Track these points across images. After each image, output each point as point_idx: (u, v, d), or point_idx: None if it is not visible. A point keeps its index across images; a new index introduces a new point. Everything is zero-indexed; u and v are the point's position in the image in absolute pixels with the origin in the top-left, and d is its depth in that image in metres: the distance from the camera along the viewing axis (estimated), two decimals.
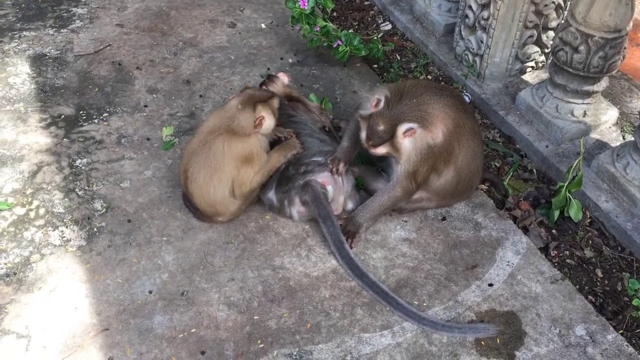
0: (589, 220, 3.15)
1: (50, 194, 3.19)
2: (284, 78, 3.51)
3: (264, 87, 3.41)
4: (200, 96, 3.83)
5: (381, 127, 2.84)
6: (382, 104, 2.86)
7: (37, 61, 4.03)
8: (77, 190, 3.21)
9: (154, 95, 3.82)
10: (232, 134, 2.89)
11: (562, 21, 3.59)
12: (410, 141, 2.86)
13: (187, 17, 4.49)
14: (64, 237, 2.99)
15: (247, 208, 3.09)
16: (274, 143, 3.09)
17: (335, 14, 4.62)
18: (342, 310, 2.72)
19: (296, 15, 3.90)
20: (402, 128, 2.82)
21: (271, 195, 3.06)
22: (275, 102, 3.02)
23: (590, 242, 3.08)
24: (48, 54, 4.09)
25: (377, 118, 2.85)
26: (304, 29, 3.95)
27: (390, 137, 2.86)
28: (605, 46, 3.13)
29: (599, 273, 2.96)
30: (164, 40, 4.27)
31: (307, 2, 3.85)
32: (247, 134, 2.90)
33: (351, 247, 2.92)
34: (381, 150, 2.91)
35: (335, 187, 3.03)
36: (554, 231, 3.13)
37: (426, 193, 3.09)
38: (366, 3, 4.79)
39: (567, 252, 3.04)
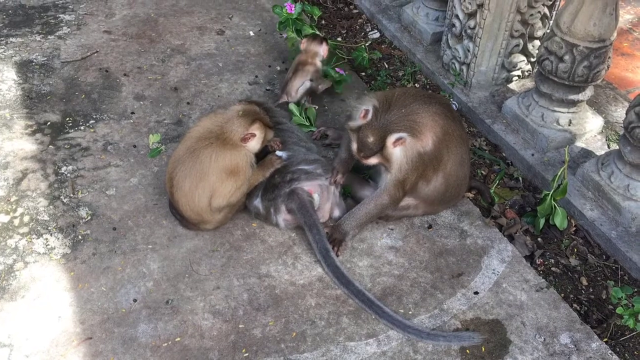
0: (574, 228, 3.17)
1: (35, 201, 3.16)
2: (324, 50, 3.69)
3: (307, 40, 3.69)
4: (188, 103, 3.83)
5: (371, 139, 2.85)
6: (370, 115, 2.87)
7: (24, 67, 4.01)
8: (62, 197, 3.19)
9: (141, 102, 3.81)
10: (222, 145, 2.87)
11: (548, 31, 3.62)
12: (400, 150, 2.87)
13: (175, 24, 4.49)
14: (49, 244, 2.97)
15: (234, 216, 3.08)
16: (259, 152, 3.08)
17: (323, 22, 4.64)
18: (328, 319, 2.72)
19: (283, 20, 3.91)
20: (392, 138, 2.84)
21: (257, 203, 3.05)
22: (270, 134, 3.02)
23: (575, 250, 3.10)
24: (35, 61, 4.07)
25: (366, 129, 2.86)
26: (289, 38, 3.96)
27: (380, 147, 2.87)
28: (590, 56, 3.16)
29: (584, 281, 2.98)
30: (152, 47, 4.26)
31: (294, 7, 3.86)
32: (234, 144, 2.89)
33: (337, 255, 2.92)
34: (373, 160, 2.93)
35: (322, 195, 3.04)
36: (539, 239, 3.15)
37: (414, 200, 3.10)
38: (354, 11, 4.81)
39: (552, 260, 3.06)
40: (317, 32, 3.75)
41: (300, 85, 3.61)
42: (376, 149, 2.88)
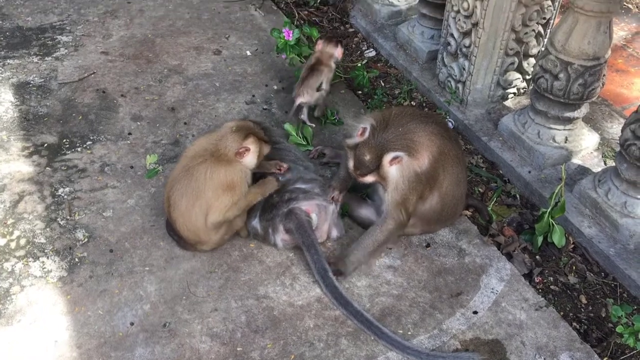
0: (572, 246, 3.16)
1: (31, 223, 3.15)
2: (339, 52, 3.79)
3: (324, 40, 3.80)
4: (185, 123, 3.83)
5: (367, 157, 2.86)
6: (367, 133, 2.88)
7: (21, 89, 4.02)
8: (59, 219, 3.18)
9: (138, 123, 3.82)
10: (216, 161, 2.87)
11: (542, 49, 3.65)
12: (396, 169, 2.87)
13: (172, 45, 4.51)
14: (45, 268, 2.95)
15: (231, 237, 3.07)
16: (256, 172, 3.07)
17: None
18: (327, 341, 2.70)
19: (281, 46, 3.94)
20: (388, 157, 2.84)
21: (255, 223, 3.04)
22: (266, 149, 3.01)
23: (574, 267, 3.09)
24: (32, 82, 4.08)
25: (363, 147, 2.87)
26: (291, 59, 3.98)
27: (376, 166, 2.87)
28: (585, 74, 3.17)
29: (583, 299, 2.97)
30: (149, 67, 4.28)
31: (292, 34, 3.88)
32: (229, 160, 2.89)
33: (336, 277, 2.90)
34: (369, 179, 2.93)
35: (320, 214, 3.03)
36: (537, 257, 3.14)
37: (411, 219, 3.09)
38: (350, 30, 4.84)
39: (551, 278, 3.05)
40: (332, 35, 3.80)
41: (315, 83, 3.64)
42: (372, 167, 2.88)
